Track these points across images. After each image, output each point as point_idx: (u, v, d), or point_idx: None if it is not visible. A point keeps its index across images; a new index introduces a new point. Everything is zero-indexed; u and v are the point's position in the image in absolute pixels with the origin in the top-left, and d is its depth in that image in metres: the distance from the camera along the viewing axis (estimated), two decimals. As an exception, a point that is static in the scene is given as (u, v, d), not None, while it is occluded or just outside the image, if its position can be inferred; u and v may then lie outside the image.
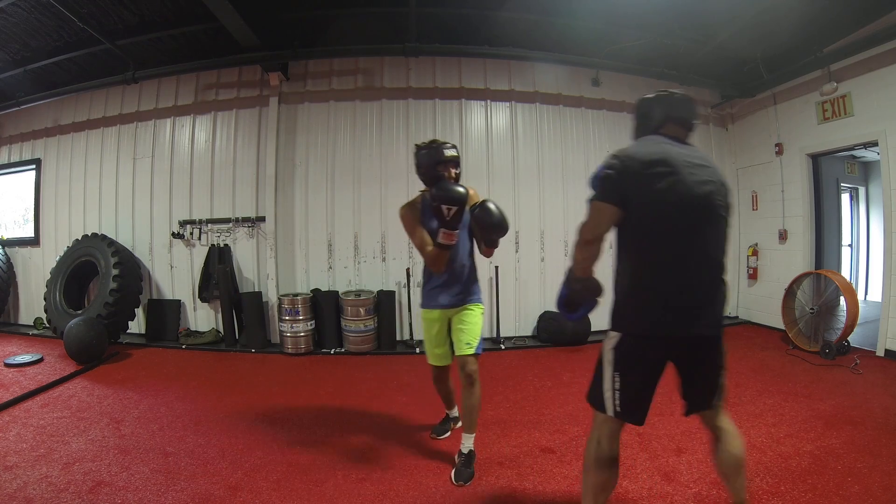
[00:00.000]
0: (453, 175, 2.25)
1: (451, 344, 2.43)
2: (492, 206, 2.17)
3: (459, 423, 2.79)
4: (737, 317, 5.86)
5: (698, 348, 1.58)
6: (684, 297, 1.51)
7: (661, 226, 1.50)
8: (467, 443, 2.31)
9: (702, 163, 1.56)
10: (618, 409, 1.56)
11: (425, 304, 2.43)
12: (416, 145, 2.34)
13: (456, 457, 2.34)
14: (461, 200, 2.08)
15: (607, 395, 1.58)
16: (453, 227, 2.11)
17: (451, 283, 2.35)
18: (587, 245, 1.58)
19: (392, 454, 2.49)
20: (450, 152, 2.24)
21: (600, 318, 5.64)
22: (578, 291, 1.68)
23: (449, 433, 2.71)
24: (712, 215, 1.55)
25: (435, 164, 2.23)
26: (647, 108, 1.70)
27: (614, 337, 1.59)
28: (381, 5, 4.34)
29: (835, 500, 1.96)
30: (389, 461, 2.41)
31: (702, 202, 1.52)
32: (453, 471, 2.26)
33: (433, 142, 2.30)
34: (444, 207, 2.07)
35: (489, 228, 2.19)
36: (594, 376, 1.64)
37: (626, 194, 1.51)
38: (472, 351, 2.28)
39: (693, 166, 1.53)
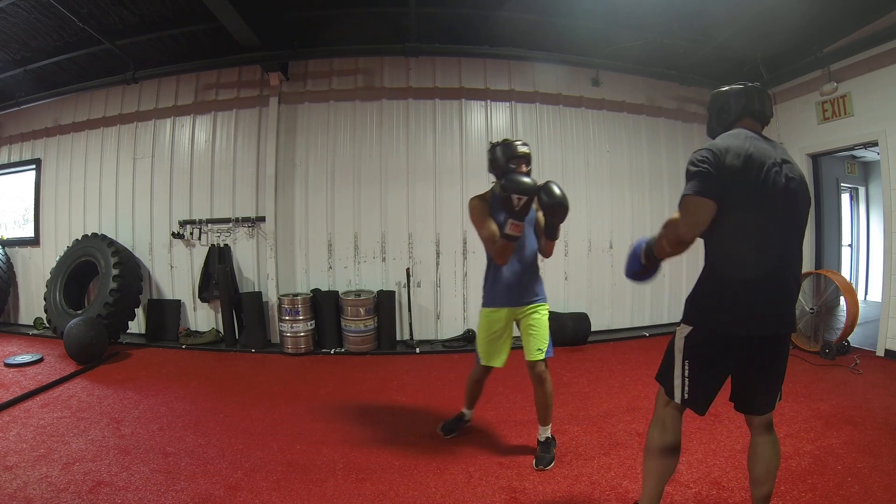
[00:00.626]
0: (525, 171, 2.34)
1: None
2: (553, 185, 2.21)
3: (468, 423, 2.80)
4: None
5: (773, 346, 1.56)
6: (767, 297, 1.50)
7: (749, 222, 1.47)
8: (544, 432, 2.41)
9: (786, 159, 1.54)
10: (685, 396, 1.56)
11: (490, 303, 2.46)
12: (491, 143, 2.46)
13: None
14: (531, 190, 2.14)
15: (677, 381, 1.58)
16: (521, 217, 2.16)
17: (517, 282, 2.40)
18: (682, 244, 1.51)
19: (392, 454, 2.49)
20: (522, 149, 2.35)
21: (600, 318, 5.55)
22: (654, 268, 1.71)
23: (456, 433, 2.70)
24: (796, 212, 1.54)
25: (508, 159, 2.33)
26: (723, 102, 1.65)
27: (687, 328, 1.58)
28: (381, 5, 4.34)
29: (835, 500, 1.96)
30: (389, 461, 2.41)
31: (788, 199, 1.50)
32: (535, 458, 2.35)
33: (506, 139, 2.42)
34: (514, 197, 2.12)
35: (552, 208, 2.21)
36: (664, 360, 1.65)
37: (723, 189, 1.45)
38: (542, 357, 2.37)
39: (780, 163, 1.50)
